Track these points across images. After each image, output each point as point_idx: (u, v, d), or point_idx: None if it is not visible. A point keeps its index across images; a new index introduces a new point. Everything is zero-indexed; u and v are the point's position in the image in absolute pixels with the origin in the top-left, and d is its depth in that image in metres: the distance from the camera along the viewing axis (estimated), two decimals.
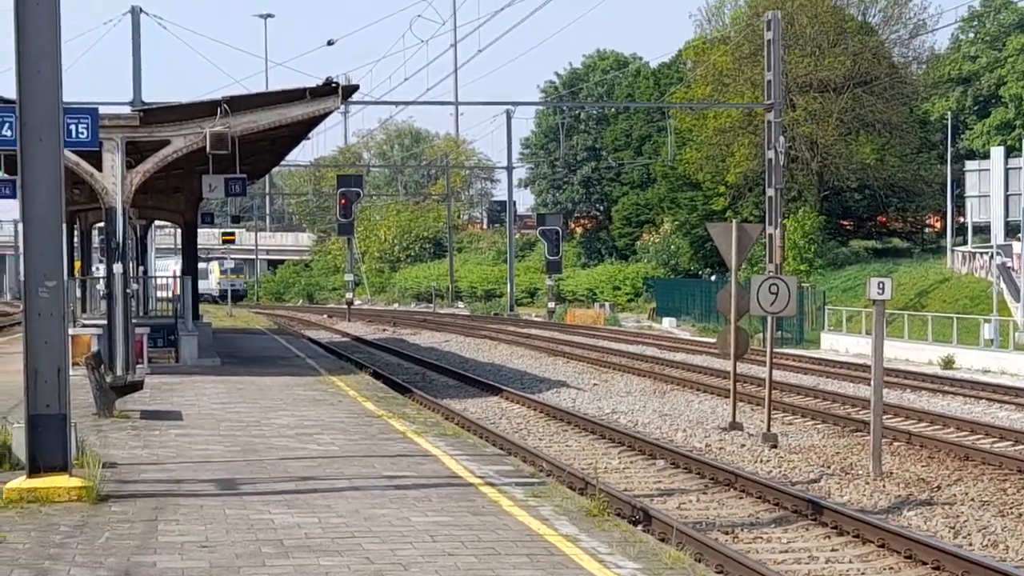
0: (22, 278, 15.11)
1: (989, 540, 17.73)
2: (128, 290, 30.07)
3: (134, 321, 30.31)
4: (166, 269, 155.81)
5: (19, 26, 14.41)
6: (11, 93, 15.23)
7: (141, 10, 45.08)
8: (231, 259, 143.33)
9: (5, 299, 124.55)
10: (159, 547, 12.57)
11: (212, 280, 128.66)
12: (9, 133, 17.83)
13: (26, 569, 11.58)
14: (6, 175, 33.19)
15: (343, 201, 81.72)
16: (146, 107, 32.66)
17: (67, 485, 14.73)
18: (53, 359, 14.76)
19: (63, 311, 15.28)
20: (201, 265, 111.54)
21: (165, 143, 29.55)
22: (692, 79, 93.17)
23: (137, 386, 25.15)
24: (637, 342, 60.72)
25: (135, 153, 29.53)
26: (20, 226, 15.29)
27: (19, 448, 15.88)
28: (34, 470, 14.83)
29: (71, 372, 15.80)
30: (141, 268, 50.07)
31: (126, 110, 31.76)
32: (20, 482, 14.76)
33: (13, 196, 24.12)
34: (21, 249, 15.31)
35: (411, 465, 18.36)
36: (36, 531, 13.19)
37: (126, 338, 28.27)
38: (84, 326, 33.21)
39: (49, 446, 14.84)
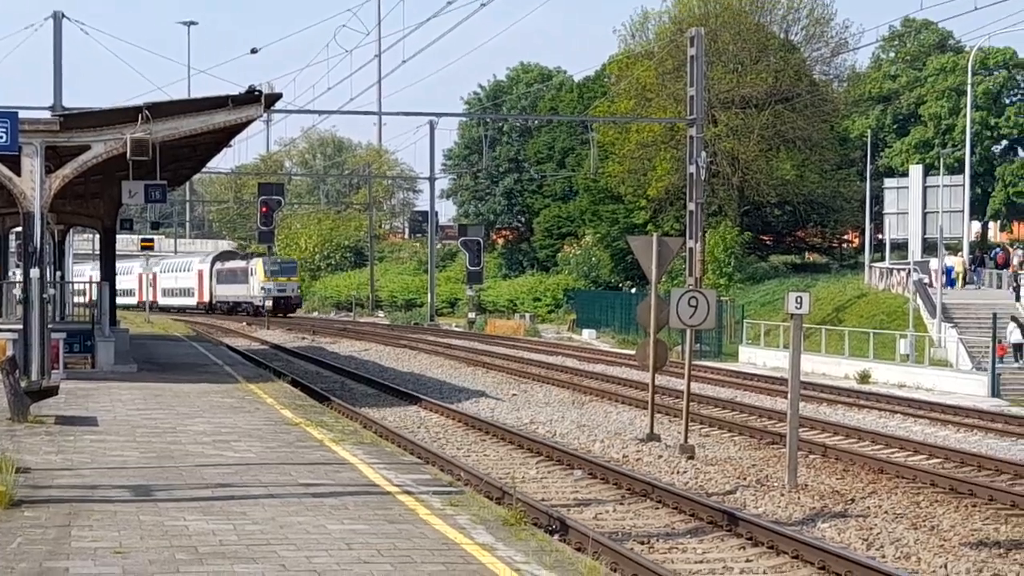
0: None
1: (902, 552, 17.93)
2: (44, 295, 29.90)
3: (50, 326, 30.14)
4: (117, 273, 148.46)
5: None
6: None
7: (63, 15, 44.88)
8: (277, 257, 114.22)
9: None
10: (72, 552, 12.52)
11: (254, 284, 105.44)
12: None
13: None
14: None
15: (264, 209, 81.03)
16: (67, 112, 32.51)
17: None
18: None
19: None
20: (239, 264, 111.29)
21: (85, 148, 29.42)
22: (615, 93, 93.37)
23: (52, 391, 25.04)
24: (557, 353, 60.90)
25: (55, 158, 29.36)
26: None
27: None
28: None
29: None
30: (59, 273, 49.64)
31: (46, 115, 31.59)
32: None
33: None
34: None
35: (328, 473, 18.35)
36: None
37: (42, 343, 28.12)
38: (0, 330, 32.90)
39: None
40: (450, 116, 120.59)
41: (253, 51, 75.46)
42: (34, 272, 29.30)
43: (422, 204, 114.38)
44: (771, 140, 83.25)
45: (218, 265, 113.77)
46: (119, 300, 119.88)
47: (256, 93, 30.23)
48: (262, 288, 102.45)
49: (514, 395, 39.95)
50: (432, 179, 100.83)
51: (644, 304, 29.56)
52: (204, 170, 62.77)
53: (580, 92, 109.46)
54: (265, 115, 32.98)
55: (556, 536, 16.30)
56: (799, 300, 24.16)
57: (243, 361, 47.14)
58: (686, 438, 27.50)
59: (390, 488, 17.00)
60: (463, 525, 14.40)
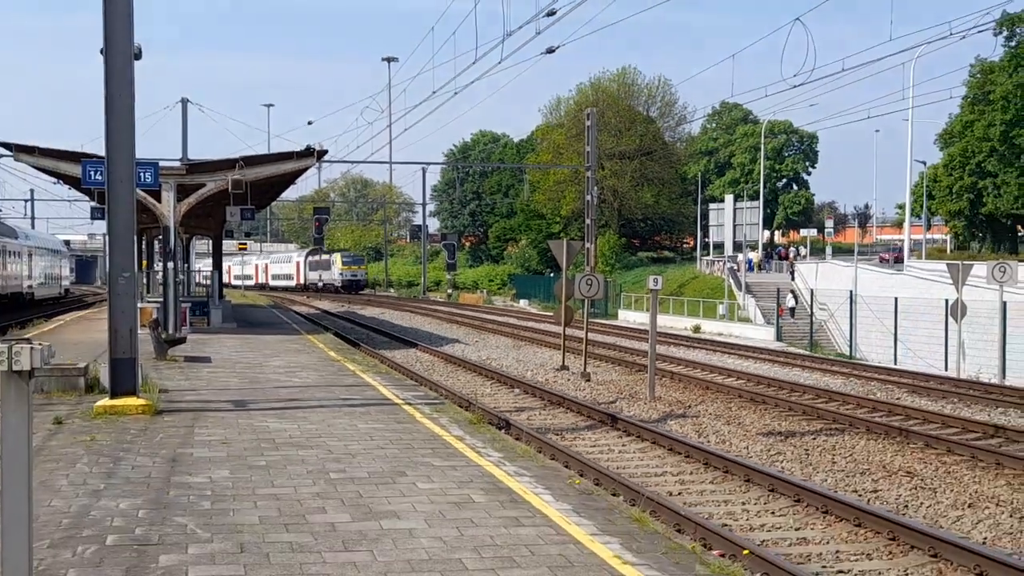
0: (108, 271, 14.98)
1: (720, 439, 18.04)
2: (176, 279, 29.74)
3: (180, 299, 29.95)
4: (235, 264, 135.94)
5: (108, 111, 14.33)
6: (101, 150, 15.10)
7: (188, 100, 44.64)
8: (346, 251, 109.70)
9: (97, 284, 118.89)
10: (195, 443, 12.48)
11: (335, 271, 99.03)
12: (101, 178, 17.79)
13: (108, 458, 11.46)
14: (99, 204, 32.97)
15: (317, 223, 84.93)
16: (190, 162, 32.20)
17: (136, 403, 14.61)
18: (127, 322, 14.66)
19: (134, 292, 15.22)
20: (324, 257, 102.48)
21: (202, 185, 29.26)
22: (540, 149, 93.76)
23: (182, 340, 24.91)
24: (503, 315, 60.89)
25: (182, 191, 29.14)
26: (107, 237, 15.15)
27: (105, 379, 15.74)
28: (114, 394, 14.73)
29: (139, 331, 15.71)
30: (185, 266, 49.36)
31: (177, 164, 31.31)
32: (105, 402, 14.64)
33: (103, 218, 23.84)
34: (108, 252, 15.18)
35: (358, 391, 18.32)
36: (115, 433, 13.04)
37: (175, 309, 27.95)
38: (148, 302, 32.70)
39: (124, 379, 14.75)
40: (435, 164, 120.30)
41: (309, 123, 77.30)
42: (170, 265, 29.19)
43: (418, 220, 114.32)
44: (638, 179, 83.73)
45: (310, 257, 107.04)
46: (242, 283, 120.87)
47: (311, 150, 30.09)
48: (340, 274, 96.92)
49: (476, 341, 39.91)
50: (424, 204, 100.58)
51: (558, 283, 29.59)
52: (279, 199, 62.42)
53: (518, 149, 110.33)
54: (317, 164, 32.76)
55: (503, 430, 16.30)
56: (656, 280, 24.22)
57: (303, 320, 46.96)
58: (585, 368, 27.60)
59: (397, 401, 16.97)
60: (444, 424, 14.40)
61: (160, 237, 36.59)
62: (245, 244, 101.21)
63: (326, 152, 31.42)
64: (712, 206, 64.65)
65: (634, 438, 17.71)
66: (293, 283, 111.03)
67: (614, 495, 12.15)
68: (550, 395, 22.86)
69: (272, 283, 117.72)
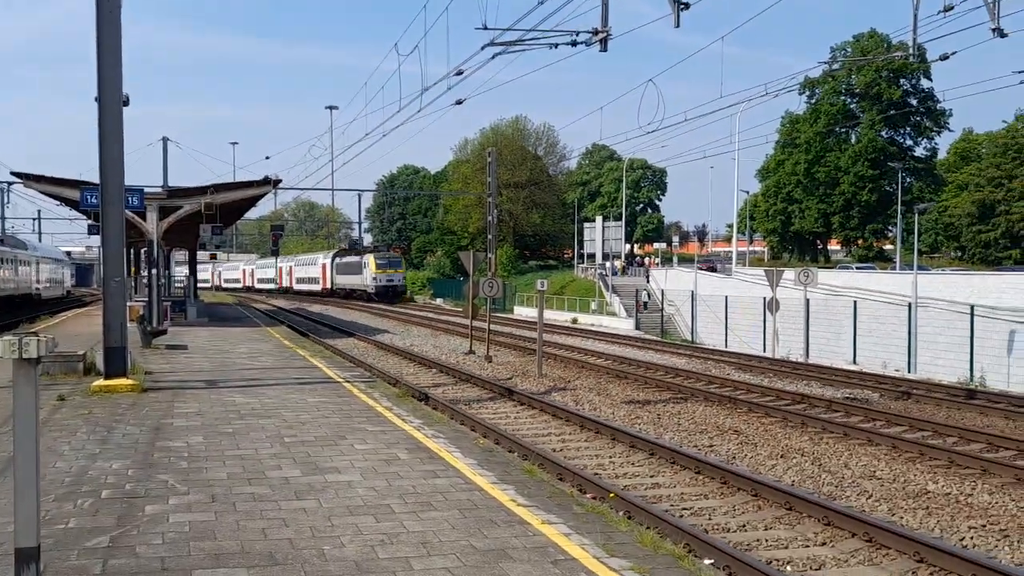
0: (103, 276, 14.61)
1: (592, 408, 18.16)
2: (159, 282, 29.01)
3: (162, 298, 29.22)
4: (205, 270, 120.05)
5: (101, 147, 13.97)
6: (97, 179, 14.71)
7: (168, 138, 43.76)
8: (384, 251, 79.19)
9: (94, 287, 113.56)
10: (175, 415, 12.18)
11: (367, 275, 72.06)
12: (96, 201, 17.26)
13: (103, 428, 11.13)
14: (95, 223, 32.07)
15: (274, 238, 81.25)
16: (169, 188, 31.40)
17: (126, 383, 14.22)
18: (118, 318, 14.30)
19: (124, 293, 14.84)
20: (354, 259, 75.86)
21: (179, 207, 28.54)
22: (452, 180, 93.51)
23: (163, 332, 24.36)
24: (424, 310, 60.62)
25: (163, 212, 28.40)
26: (101, 249, 14.76)
27: (100, 364, 15.30)
28: (108, 376, 14.33)
29: (128, 325, 15.32)
30: (167, 272, 48.15)
31: (159, 190, 30.50)
32: (100, 382, 14.23)
33: (98, 233, 23.15)
34: (102, 261, 14.79)
35: (307, 372, 18.06)
36: (108, 407, 12.67)
37: (158, 307, 27.26)
38: (136, 301, 31.84)
39: (116, 363, 14.36)
40: (368, 191, 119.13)
41: (267, 157, 75.69)
42: (154, 272, 28.50)
43: (355, 235, 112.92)
44: (528, 204, 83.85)
45: (337, 260, 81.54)
46: (262, 286, 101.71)
47: (268, 179, 29.61)
48: (373, 278, 70.46)
49: (402, 332, 39.66)
50: (360, 223, 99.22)
51: (467, 285, 29.55)
52: (243, 219, 61.28)
53: (434, 179, 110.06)
54: (273, 190, 32.19)
55: (423, 402, 16.23)
56: (542, 283, 24.34)
57: (263, 316, 46.17)
58: (488, 352, 27.60)
59: (339, 379, 16.77)
60: (376, 398, 14.27)
61: (145, 249, 35.60)
62: (215, 255, 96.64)
63: (280, 181, 30.92)
64: (586, 225, 65.18)
65: (526, 407, 17.76)
66: (319, 287, 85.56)
67: (510, 452, 12.18)
68: (460, 374, 22.82)
69: (297, 287, 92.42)
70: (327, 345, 29.90)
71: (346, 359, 25.11)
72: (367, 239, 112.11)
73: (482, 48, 18.66)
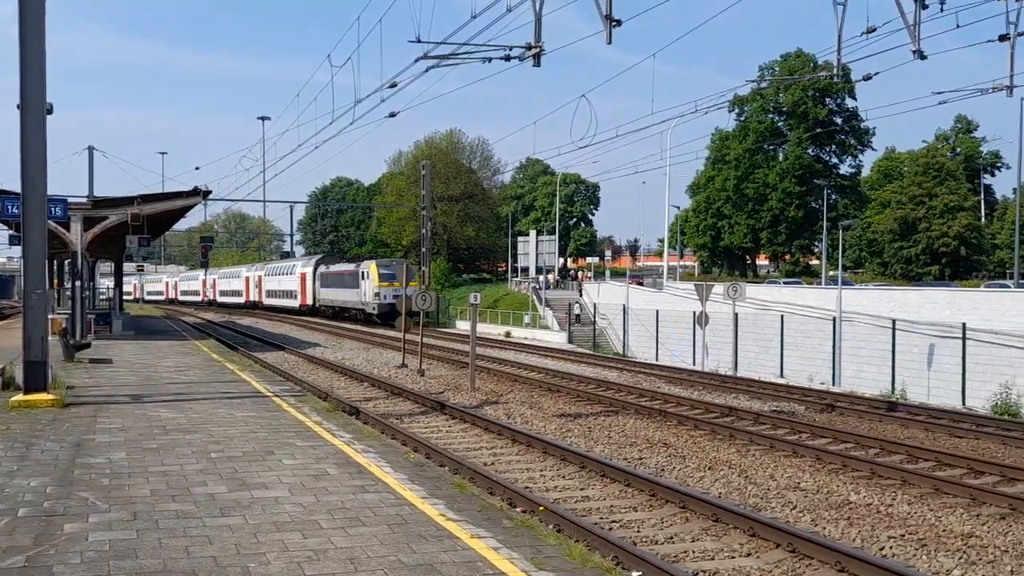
0: (23, 288, 14.23)
1: (524, 421, 18.20)
2: (83, 294, 28.36)
3: (86, 311, 28.57)
4: (159, 281, 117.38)
5: (23, 156, 13.65)
6: (18, 188, 14.36)
7: (94, 148, 42.87)
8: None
9: (14, 299, 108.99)
10: (97, 430, 11.90)
11: (366, 289, 55.44)
12: (17, 211, 16.82)
13: (21, 444, 10.82)
14: (16, 233, 31.26)
15: (203, 249, 79.10)
16: (95, 198, 30.79)
17: (46, 398, 13.86)
18: (39, 331, 13.94)
19: (45, 305, 14.48)
20: (347, 267, 60.17)
21: (105, 218, 27.99)
22: (386, 192, 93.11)
23: (87, 345, 23.81)
24: (356, 323, 60.12)
25: (88, 223, 27.79)
26: (23, 261, 14.39)
27: (19, 378, 14.89)
28: (27, 391, 13.94)
29: (50, 338, 14.96)
30: (91, 283, 47.11)
31: (84, 200, 29.85)
32: (19, 397, 13.84)
33: (20, 244, 22.59)
34: (23, 272, 14.42)
35: (235, 386, 17.80)
36: (27, 423, 12.33)
37: (82, 319, 26.66)
38: (58, 314, 31.07)
39: (36, 378, 13.99)
40: (301, 203, 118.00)
41: (196, 168, 74.95)
42: (77, 284, 27.84)
43: (287, 247, 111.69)
44: (463, 217, 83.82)
45: (322, 268, 64.47)
46: (228, 300, 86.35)
47: (198, 190, 29.20)
48: (376, 293, 53.51)
49: (334, 345, 39.30)
50: (292, 235, 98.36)
51: (399, 298, 29.40)
52: (171, 230, 60.27)
53: (367, 191, 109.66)
54: (203, 201, 31.74)
55: (354, 416, 16.10)
56: (475, 296, 24.34)
57: (192, 328, 45.38)
58: (420, 366, 27.50)
59: (268, 393, 16.56)
60: (306, 412, 14.12)
61: (69, 260, 34.79)
62: (142, 267, 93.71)
63: (211, 192, 30.50)
64: (520, 239, 65.43)
65: (458, 420, 17.74)
66: (296, 303, 68.35)
67: (441, 466, 12.15)
68: (392, 387, 22.70)
69: (267, 301, 75.09)
70: (256, 359, 29.49)
71: (276, 373, 24.79)
72: (298, 251, 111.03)
73: (415, 61, 18.66)
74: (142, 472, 9.38)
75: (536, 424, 17.72)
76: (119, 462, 9.86)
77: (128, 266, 60.50)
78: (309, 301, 65.94)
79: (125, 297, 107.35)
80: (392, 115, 27.45)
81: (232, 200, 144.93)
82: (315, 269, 65.08)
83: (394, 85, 22.26)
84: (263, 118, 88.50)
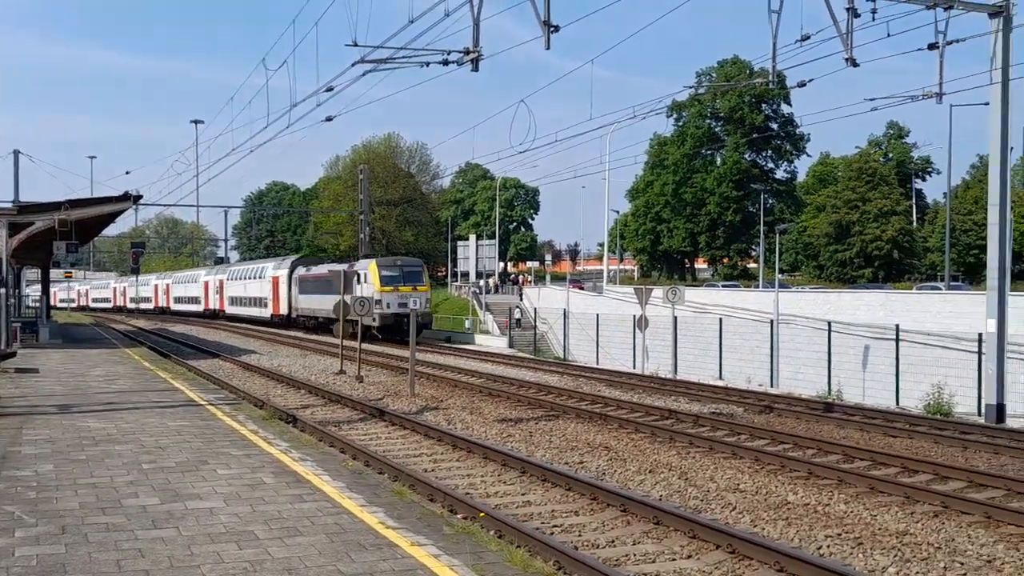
0: None
1: (464, 427, 18.13)
2: (8, 302, 27.64)
3: (11, 319, 27.85)
4: (106, 286, 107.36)
5: None
6: None
7: (20, 152, 41.91)
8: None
9: None
10: (23, 441, 11.59)
11: (367, 294, 39.73)
12: None
13: None
14: None
15: (134, 255, 77.70)
16: (21, 204, 30.07)
17: None
18: None
19: None
20: (334, 268, 45.33)
21: (31, 224, 27.36)
22: (323, 197, 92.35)
23: (12, 355, 23.21)
24: (294, 329, 59.40)
25: (13, 229, 27.14)
26: None
27: None
28: None
29: None
30: (17, 291, 45.95)
31: (9, 205, 29.16)
32: None
33: None
34: None
35: (168, 395, 17.48)
36: None
37: (7, 328, 25.96)
38: None
39: None
40: (236, 208, 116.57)
41: (127, 172, 72.95)
42: (1, 291, 27.13)
43: (221, 253, 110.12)
44: (402, 222, 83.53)
45: (301, 271, 52.83)
46: (184, 307, 76.09)
47: (128, 195, 28.70)
48: (377, 301, 40.65)
49: (270, 352, 38.77)
50: (226, 240, 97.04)
51: (336, 303, 29.11)
52: (101, 235, 59.16)
53: (304, 196, 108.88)
54: (134, 206, 31.17)
55: (291, 424, 15.91)
56: (415, 301, 24.24)
57: (122, 336, 44.50)
58: (359, 372, 27.28)
59: (202, 402, 16.29)
60: (241, 420, 13.92)
61: None
62: (70, 273, 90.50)
63: (141, 197, 30.02)
64: (460, 243, 65.40)
65: (397, 427, 17.61)
66: (266, 312, 57.87)
67: (380, 473, 12.04)
68: (330, 394, 22.47)
69: (231, 310, 64.91)
70: (190, 366, 28.96)
71: (210, 381, 24.35)
72: (233, 257, 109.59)
73: (352, 65, 18.51)
74: (71, 484, 9.15)
75: (477, 429, 17.66)
76: (46, 474, 9.61)
77: (55, 272, 59.20)
78: (283, 310, 54.67)
79: (67, 305, 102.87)
80: (329, 119, 27.19)
81: (164, 205, 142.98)
82: (291, 272, 53.67)
83: (331, 89, 22.07)
84: (196, 121, 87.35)
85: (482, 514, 10.11)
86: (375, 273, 42.30)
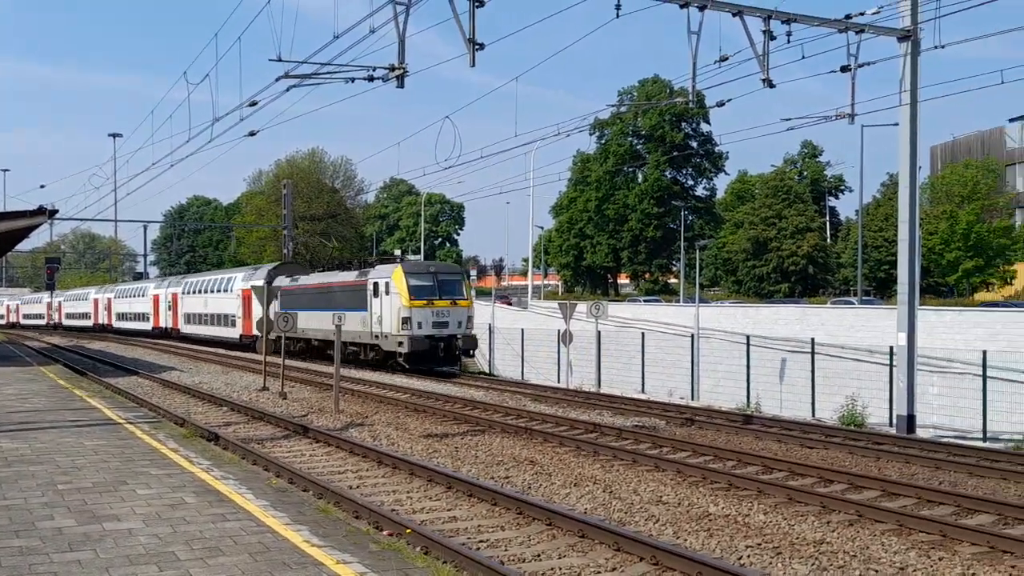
0: None
1: (390, 442, 18.00)
2: None
3: None
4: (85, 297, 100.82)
5: None
6: None
7: None
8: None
9: None
10: None
11: (387, 313, 31.26)
12: None
13: None
14: None
15: (49, 271, 75.13)
16: None
17: None
18: None
19: None
20: (340, 278, 36.38)
21: None
22: (245, 212, 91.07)
23: None
24: (213, 346, 58.30)
25: None
26: None
27: None
28: None
29: None
30: None
31: None
32: None
33: None
34: None
35: (85, 414, 16.99)
36: None
37: None
38: None
39: None
40: (155, 222, 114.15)
41: (42, 186, 70.42)
42: None
43: (140, 268, 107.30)
44: (326, 236, 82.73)
45: (284, 281, 41.47)
46: (129, 325, 65.65)
47: (43, 209, 27.82)
48: (404, 320, 30.56)
49: (191, 369, 37.93)
50: (145, 255, 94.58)
51: (260, 319, 28.67)
52: (14, 251, 57.41)
53: (226, 211, 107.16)
54: (48, 221, 30.26)
55: (212, 442, 15.59)
56: (339, 316, 24.01)
57: (36, 353, 43.14)
58: (283, 388, 26.88)
59: (120, 420, 15.88)
60: (161, 439, 13.60)
61: None
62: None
63: (57, 211, 29.09)
64: (384, 258, 65.14)
65: (322, 444, 17.40)
66: (235, 333, 47.81)
67: (305, 491, 11.88)
68: (253, 411, 22.08)
69: (187, 329, 56.08)
70: (108, 384, 28.20)
71: (128, 399, 23.72)
72: (152, 272, 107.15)
73: (276, 80, 18.36)
74: None
75: (403, 445, 17.55)
76: None
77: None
78: (255, 330, 41.23)
79: None
80: (252, 134, 26.90)
81: (80, 219, 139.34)
82: (269, 283, 39.41)
83: (254, 103, 21.84)
84: (115, 135, 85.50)
85: (408, 530, 10.05)
86: (402, 283, 31.16)
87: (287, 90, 18.86)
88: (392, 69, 16.40)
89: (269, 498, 9.56)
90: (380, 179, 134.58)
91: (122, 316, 69.87)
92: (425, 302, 31.20)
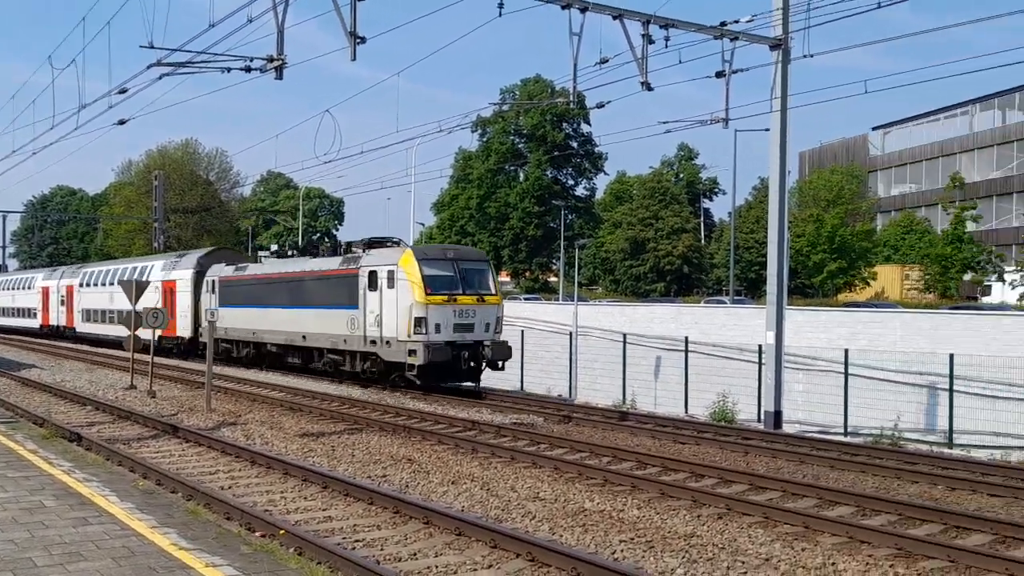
0: None
1: (264, 442, 17.64)
2: None
3: None
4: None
5: None
6: None
7: None
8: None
9: None
10: None
11: (391, 311, 23.45)
12: None
13: None
14: None
15: None
16: None
17: None
18: None
19: None
20: (314, 265, 28.53)
21: None
22: (114, 203, 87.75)
23: None
24: (79, 343, 55.90)
25: None
26: None
27: None
28: None
29: None
30: None
31: None
32: None
33: None
34: None
35: None
36: None
37: None
38: None
39: None
40: (16, 213, 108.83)
41: None
42: None
43: None
44: (199, 231, 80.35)
45: (223, 271, 33.89)
46: (10, 322, 57.68)
47: None
48: (417, 320, 22.66)
49: (52, 366, 36.32)
50: (3, 247, 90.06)
51: (127, 315, 27.61)
52: None
53: (93, 202, 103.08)
54: None
55: (74, 443, 14.97)
56: (212, 312, 23.34)
57: None
58: (151, 387, 26.01)
59: None
60: (19, 440, 13.00)
61: None
62: None
63: None
64: (261, 253, 63.70)
65: (192, 444, 16.92)
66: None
67: (173, 492, 11.53)
68: (119, 411, 21.29)
69: (85, 328, 48.53)
70: None
71: None
72: (12, 265, 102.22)
73: (148, 67, 17.74)
74: None
75: (277, 444, 17.23)
76: None
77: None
78: (186, 331, 36.30)
79: None
80: (122, 122, 25.86)
81: None
82: (198, 273, 35.69)
83: (124, 91, 21.02)
84: None
85: (282, 531, 9.86)
86: (414, 271, 23.65)
87: (159, 78, 18.27)
88: (271, 60, 16.07)
89: (135, 500, 9.24)
90: (257, 172, 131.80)
91: (1, 312, 62.16)
92: (445, 298, 23.68)
